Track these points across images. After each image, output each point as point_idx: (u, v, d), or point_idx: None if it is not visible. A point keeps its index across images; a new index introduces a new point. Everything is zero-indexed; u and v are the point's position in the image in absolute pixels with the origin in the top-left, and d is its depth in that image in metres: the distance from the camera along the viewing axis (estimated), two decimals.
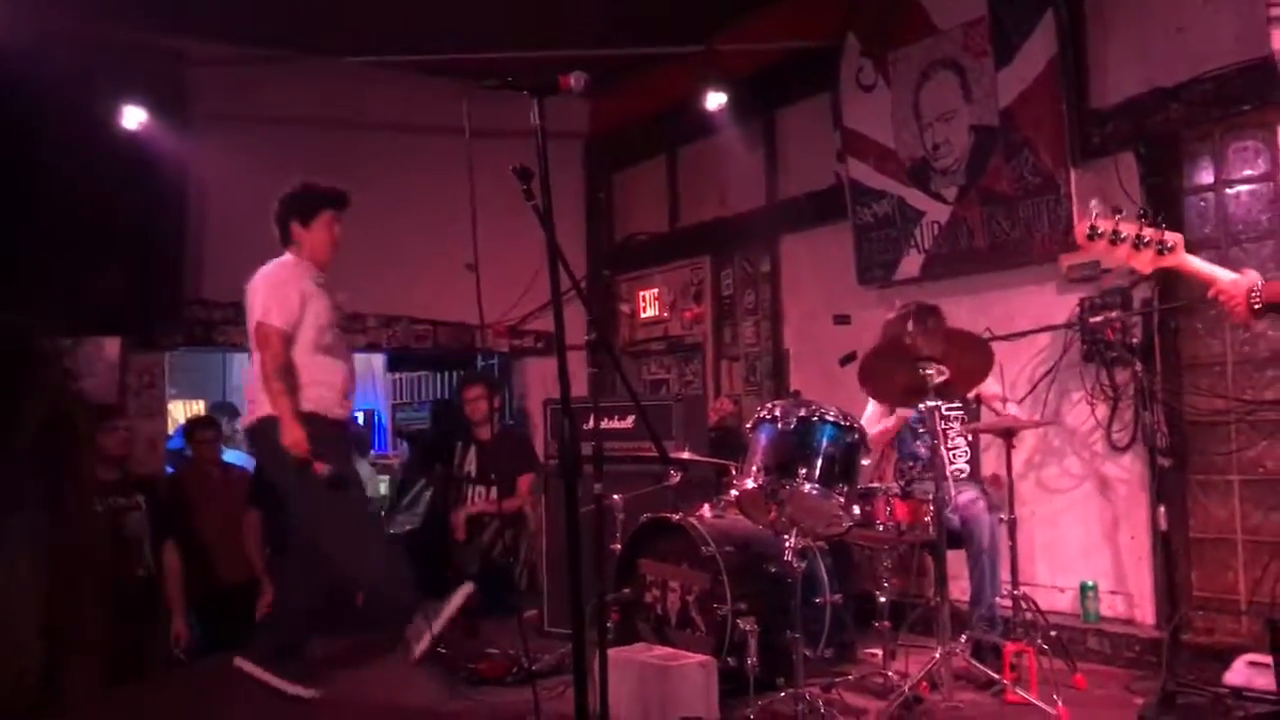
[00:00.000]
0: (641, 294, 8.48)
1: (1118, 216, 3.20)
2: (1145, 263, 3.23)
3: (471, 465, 6.52)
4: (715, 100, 6.89)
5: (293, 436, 4.32)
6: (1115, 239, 3.18)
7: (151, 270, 6.51)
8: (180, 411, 9.67)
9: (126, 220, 6.26)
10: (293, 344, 4.51)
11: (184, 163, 6.56)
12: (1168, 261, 3.21)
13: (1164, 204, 4.95)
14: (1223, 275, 3.19)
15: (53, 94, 5.62)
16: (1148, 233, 3.18)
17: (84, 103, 5.97)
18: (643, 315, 8.47)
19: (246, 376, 5.00)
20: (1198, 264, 3.23)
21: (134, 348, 6.83)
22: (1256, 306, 3.08)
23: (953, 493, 4.64)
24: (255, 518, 6.29)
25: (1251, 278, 3.14)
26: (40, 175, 5.60)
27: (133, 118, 6.24)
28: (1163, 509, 4.95)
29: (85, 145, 5.93)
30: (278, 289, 4.55)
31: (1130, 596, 5.19)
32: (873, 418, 5.12)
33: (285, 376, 4.43)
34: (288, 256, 4.71)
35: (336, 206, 4.75)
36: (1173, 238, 3.20)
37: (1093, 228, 3.19)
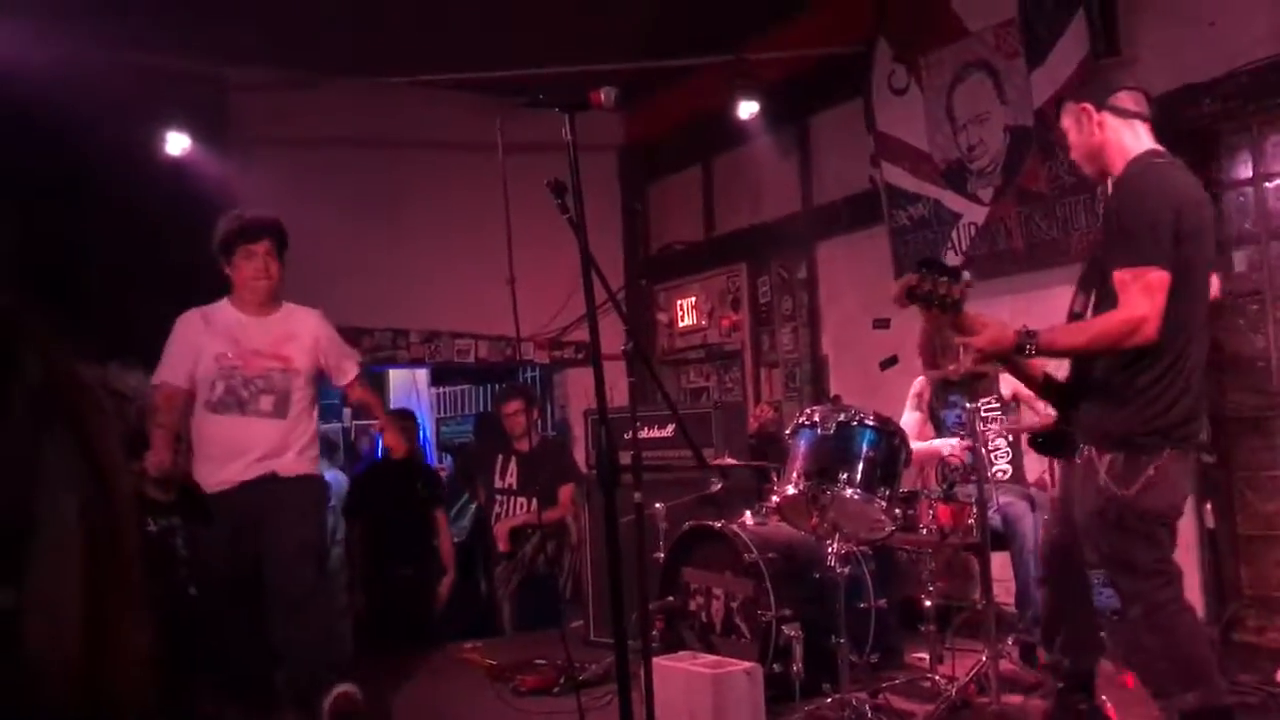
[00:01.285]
0: (679, 302, 8.52)
1: (937, 278, 3.09)
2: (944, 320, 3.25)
3: (513, 478, 6.57)
4: (748, 109, 6.92)
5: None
6: (930, 300, 3.10)
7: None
8: None
9: (172, 245, 6.37)
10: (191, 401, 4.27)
11: (227, 187, 6.68)
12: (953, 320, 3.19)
13: None
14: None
15: (97, 121, 5.75)
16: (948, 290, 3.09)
17: (128, 129, 6.09)
18: (681, 324, 8.50)
19: None
20: (967, 320, 3.18)
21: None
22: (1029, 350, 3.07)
23: (995, 495, 4.62)
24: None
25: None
26: (86, 203, 5.72)
27: (176, 144, 6.37)
28: (1209, 506, 4.91)
29: (130, 171, 6.06)
30: (167, 344, 4.34)
31: None
32: (911, 426, 5.11)
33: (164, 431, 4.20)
34: (220, 301, 4.43)
35: (247, 239, 4.33)
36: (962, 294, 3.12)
37: (913, 290, 3.10)
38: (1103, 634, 3.65)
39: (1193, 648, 3.13)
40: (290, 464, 4.22)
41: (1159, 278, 2.93)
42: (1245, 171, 4.91)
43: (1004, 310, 5.55)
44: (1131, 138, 3.17)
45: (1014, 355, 3.14)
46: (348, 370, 4.54)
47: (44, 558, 0.69)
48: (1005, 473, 5.04)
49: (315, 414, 4.42)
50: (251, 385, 4.24)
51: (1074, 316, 3.28)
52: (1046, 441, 3.47)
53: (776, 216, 7.54)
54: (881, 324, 6.63)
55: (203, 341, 4.27)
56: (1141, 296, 2.93)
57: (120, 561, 0.75)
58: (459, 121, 7.59)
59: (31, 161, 5.67)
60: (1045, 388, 3.40)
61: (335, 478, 7.16)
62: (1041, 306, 5.64)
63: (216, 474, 4.18)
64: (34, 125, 5.60)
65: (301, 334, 4.37)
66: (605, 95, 2.62)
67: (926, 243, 6.21)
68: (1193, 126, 5.00)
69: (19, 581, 0.67)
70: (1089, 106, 3.19)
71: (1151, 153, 3.15)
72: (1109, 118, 3.17)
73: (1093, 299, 3.21)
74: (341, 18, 6.43)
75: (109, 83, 5.87)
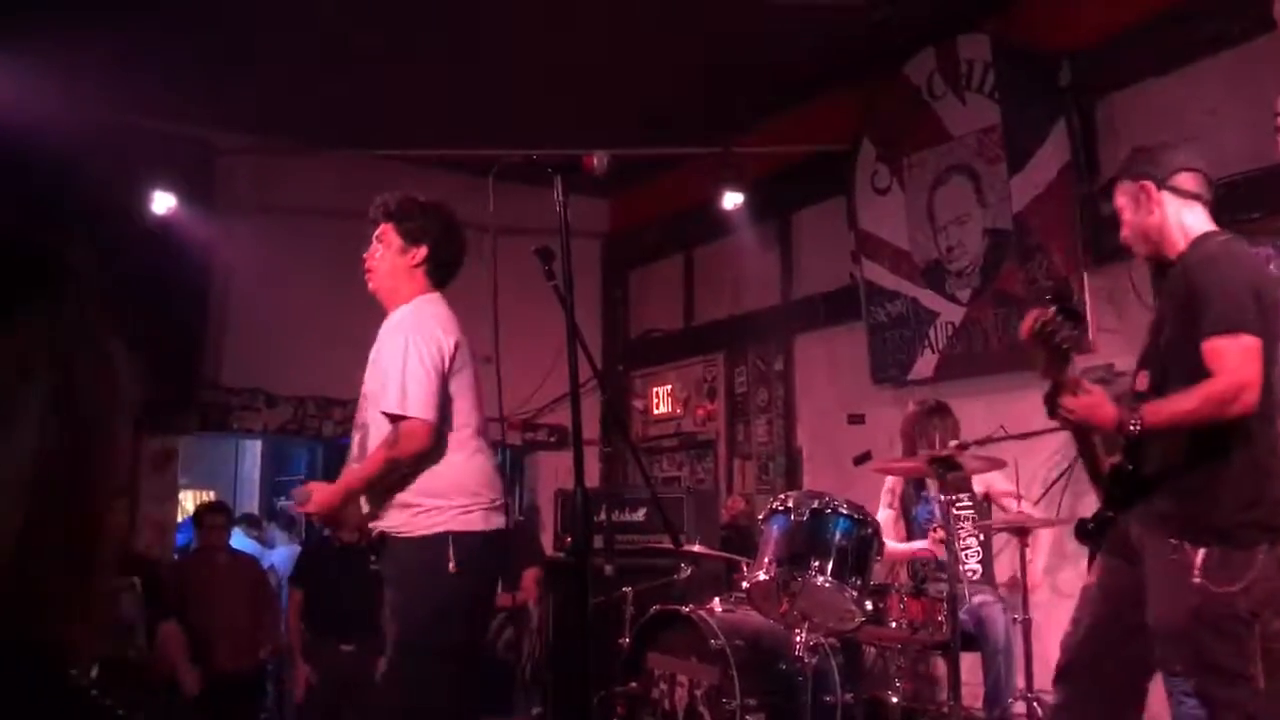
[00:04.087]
0: (655, 390, 8.51)
1: (1066, 321, 2.91)
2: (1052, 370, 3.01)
3: None
4: (732, 200, 7.00)
5: None
6: (1053, 340, 2.90)
7: (169, 353, 6.56)
8: (190, 501, 9.66)
9: (151, 303, 6.34)
10: None
11: (209, 248, 6.67)
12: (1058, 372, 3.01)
13: None
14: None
15: (85, 175, 5.76)
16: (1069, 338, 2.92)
17: (116, 186, 6.10)
18: (656, 411, 8.49)
19: None
20: (1072, 377, 3.04)
21: (148, 430, 6.86)
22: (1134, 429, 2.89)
23: (966, 593, 4.58)
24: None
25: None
26: (66, 254, 5.69)
27: (162, 203, 6.38)
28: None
29: (114, 227, 6.04)
30: None
31: (1151, 704, 5.06)
32: (885, 524, 5.07)
33: None
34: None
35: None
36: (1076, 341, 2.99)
37: (1042, 328, 2.89)
38: None
39: None
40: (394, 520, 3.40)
41: (1253, 343, 2.80)
42: None
43: (979, 410, 5.58)
44: (1192, 217, 3.07)
45: (1114, 431, 2.97)
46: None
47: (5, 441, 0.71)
48: (975, 572, 5.01)
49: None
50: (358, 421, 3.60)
51: (1138, 396, 3.10)
52: (1095, 530, 3.18)
53: (756, 308, 7.58)
54: (857, 419, 6.64)
55: None
56: (1240, 360, 2.78)
57: (84, 521, 0.74)
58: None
59: (15, 212, 5.65)
60: (1100, 473, 3.18)
61: (250, 546, 7.03)
62: (1018, 407, 5.66)
63: None
64: (22, 176, 5.60)
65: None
66: (598, 160, 2.64)
67: (904, 340, 6.26)
68: None
69: None
70: (1149, 185, 3.08)
71: (1218, 232, 3.06)
72: (1168, 197, 3.07)
73: (1151, 379, 3.06)
74: (330, 89, 6.50)
75: (99, 139, 5.90)
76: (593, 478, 3.88)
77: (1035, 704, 4.44)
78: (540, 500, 8.42)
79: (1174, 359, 2.98)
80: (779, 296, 7.41)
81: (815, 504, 4.11)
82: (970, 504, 5.02)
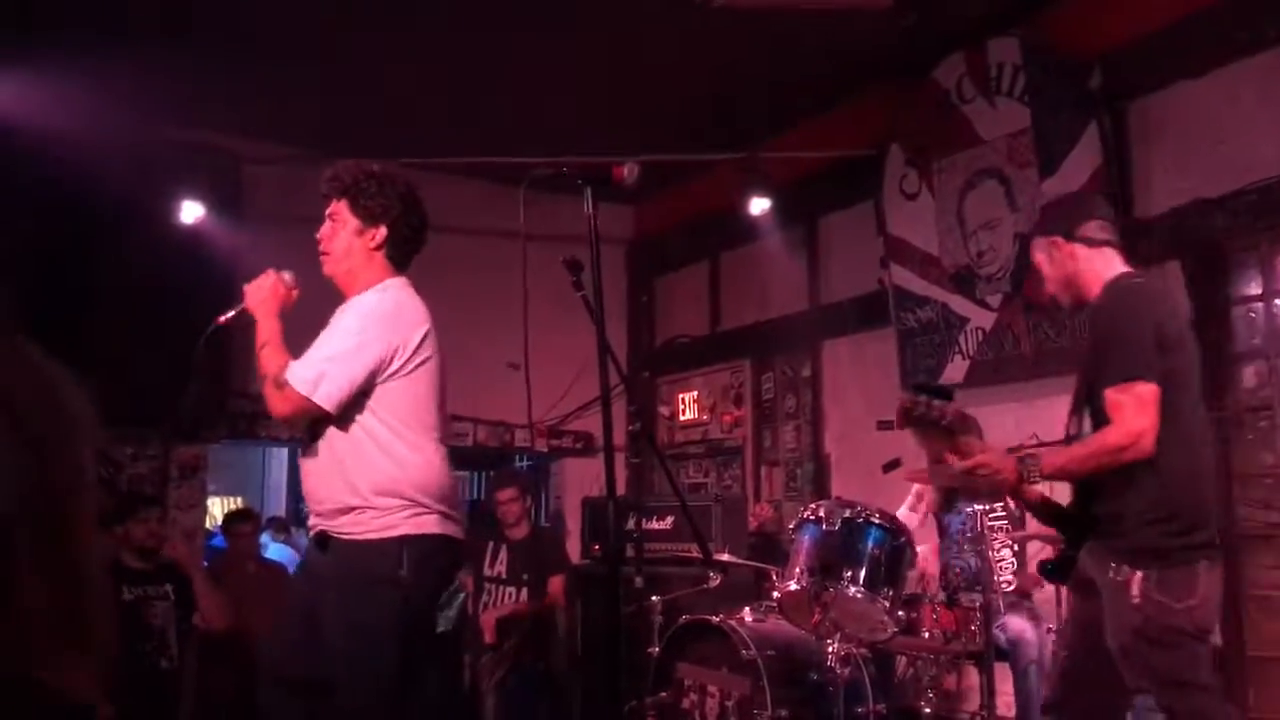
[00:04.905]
0: (681, 396, 8.48)
1: (931, 399, 3.14)
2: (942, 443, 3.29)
3: (502, 566, 6.44)
4: (759, 206, 6.96)
5: None
6: (926, 420, 3.13)
7: (198, 361, 6.58)
8: (219, 508, 9.70)
9: (178, 313, 6.37)
10: None
11: (235, 257, 6.69)
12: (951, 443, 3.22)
13: (1210, 314, 4.93)
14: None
15: (115, 184, 5.79)
16: (941, 412, 3.14)
17: (144, 195, 6.13)
18: (682, 418, 8.46)
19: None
20: (966, 443, 3.23)
21: (176, 439, 6.89)
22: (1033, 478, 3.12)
23: (1001, 605, 4.54)
24: None
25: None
26: (97, 263, 5.73)
27: (190, 212, 6.40)
28: (1218, 625, 4.80)
29: (143, 236, 6.09)
30: None
31: None
32: (908, 521, 5.04)
33: None
34: None
35: None
36: (957, 415, 3.19)
37: (909, 413, 3.13)
38: None
39: None
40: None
41: (1149, 390, 2.99)
42: (1254, 288, 4.92)
43: (1009, 417, 5.52)
44: (1103, 264, 3.26)
45: (1016, 484, 3.17)
46: None
47: None
48: (1010, 583, 4.95)
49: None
50: None
51: (1069, 440, 3.30)
52: (1056, 569, 3.41)
53: (783, 314, 7.55)
54: (886, 425, 6.55)
55: None
56: (1134, 411, 2.99)
57: (62, 552, 0.73)
58: (466, 206, 7.64)
59: (47, 220, 5.70)
60: (1046, 512, 3.35)
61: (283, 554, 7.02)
62: (1048, 414, 5.59)
63: None
64: (52, 184, 5.64)
65: None
66: (628, 171, 2.62)
67: (934, 346, 6.20)
68: (1202, 241, 5.03)
69: None
70: (1058, 239, 3.30)
71: (1126, 274, 3.24)
72: (1080, 248, 3.27)
73: (1086, 422, 3.23)
74: (356, 99, 6.51)
75: (128, 149, 5.93)
76: (619, 485, 3.83)
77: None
78: (565, 507, 8.41)
79: (1093, 404, 3.16)
80: (806, 302, 7.37)
81: (847, 513, 4.08)
82: (1004, 514, 4.97)
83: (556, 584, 6.36)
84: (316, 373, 3.00)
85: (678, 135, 7.03)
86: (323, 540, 3.10)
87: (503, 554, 6.48)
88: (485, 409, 7.97)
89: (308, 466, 3.18)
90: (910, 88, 6.35)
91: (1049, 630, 4.55)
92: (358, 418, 3.08)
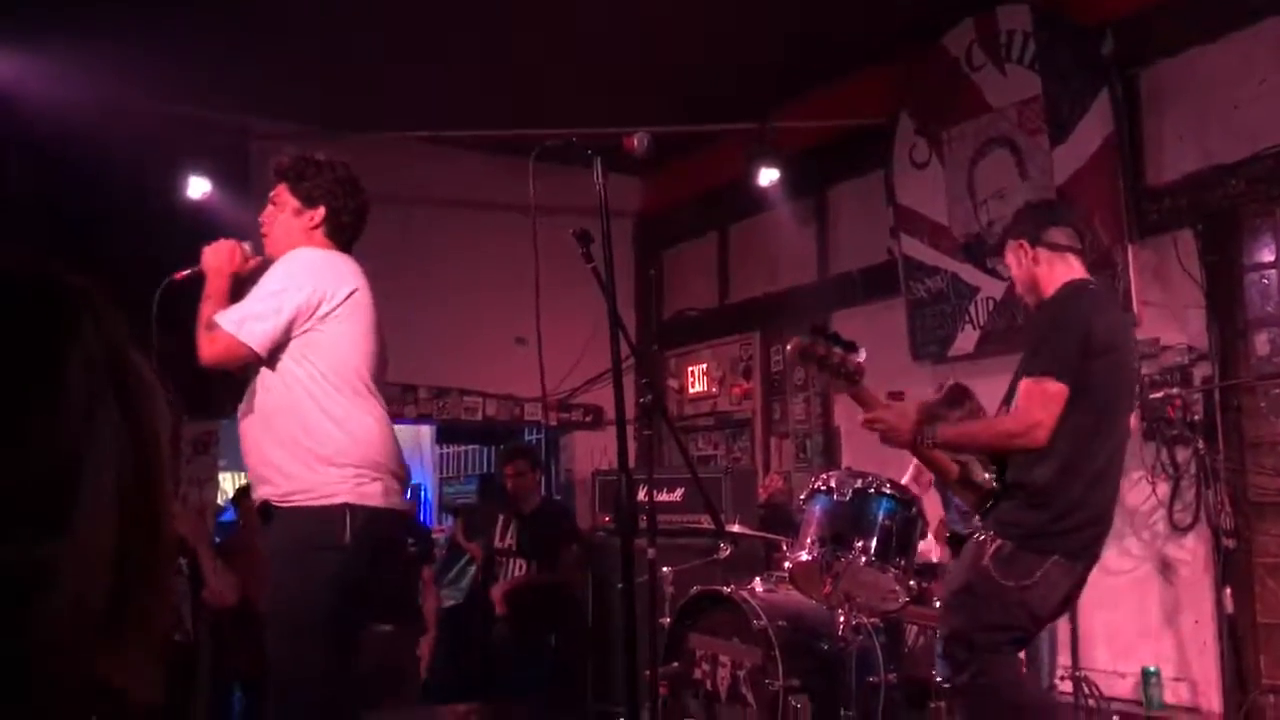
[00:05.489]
0: (690, 369, 8.47)
1: (831, 344, 3.37)
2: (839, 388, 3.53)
3: (513, 539, 6.47)
4: (767, 177, 6.92)
5: None
6: (822, 364, 3.38)
7: None
8: (230, 484, 9.73)
9: (185, 286, 6.37)
10: None
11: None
12: (849, 390, 3.50)
13: (1223, 281, 4.90)
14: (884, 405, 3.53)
15: (122, 159, 5.79)
16: (842, 359, 3.39)
17: (152, 170, 6.13)
18: (691, 390, 8.45)
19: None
20: (868, 395, 3.50)
21: (188, 413, 6.90)
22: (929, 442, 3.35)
23: None
24: None
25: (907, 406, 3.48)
26: (104, 237, 5.73)
27: (197, 188, 6.39)
28: (1229, 591, 4.81)
29: (151, 210, 6.08)
30: None
31: (1195, 684, 5.02)
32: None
33: None
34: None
35: None
36: (857, 366, 3.41)
37: (804, 351, 3.36)
38: None
39: (1019, 693, 3.36)
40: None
41: (1056, 389, 3.15)
42: (1267, 255, 4.89)
43: None
44: (1064, 269, 3.41)
45: (911, 444, 3.38)
46: None
47: (86, 517, 0.71)
48: None
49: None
50: None
51: None
52: (954, 539, 3.60)
53: (792, 285, 7.52)
54: (896, 396, 6.56)
55: None
56: (1037, 403, 3.17)
57: (152, 534, 0.74)
58: (474, 180, 7.63)
59: (56, 194, 5.70)
60: (964, 484, 3.49)
61: None
62: None
63: None
64: (61, 159, 5.64)
65: None
66: (639, 141, 2.60)
67: (944, 316, 6.18)
68: (1216, 207, 5.00)
69: (62, 535, 0.70)
70: (1024, 243, 3.46)
71: (1081, 280, 3.39)
72: (1042, 252, 3.42)
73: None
74: (363, 73, 6.48)
75: (136, 124, 5.92)
76: (630, 458, 3.83)
77: (1082, 681, 4.41)
78: (575, 479, 8.43)
79: (1011, 391, 3.37)
80: (815, 273, 7.35)
81: (858, 484, 4.07)
82: None
83: (566, 556, 6.39)
84: (242, 314, 3.05)
85: (686, 106, 6.98)
86: (266, 511, 3.10)
87: (513, 526, 6.50)
88: (494, 382, 7.99)
89: (246, 430, 3.18)
90: (919, 56, 6.30)
91: None
92: (292, 368, 3.07)
